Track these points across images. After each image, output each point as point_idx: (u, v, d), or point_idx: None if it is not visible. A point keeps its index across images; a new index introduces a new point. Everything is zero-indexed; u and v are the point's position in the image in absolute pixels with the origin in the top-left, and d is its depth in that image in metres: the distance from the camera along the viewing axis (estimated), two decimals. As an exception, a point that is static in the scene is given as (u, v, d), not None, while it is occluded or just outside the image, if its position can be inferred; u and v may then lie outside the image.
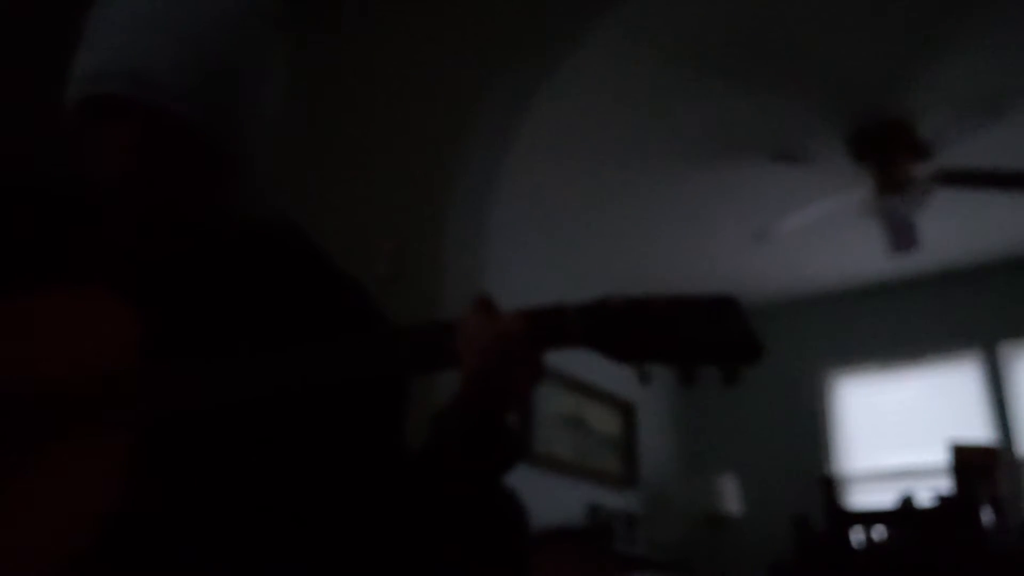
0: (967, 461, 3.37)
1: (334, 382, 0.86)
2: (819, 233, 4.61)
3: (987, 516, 2.90)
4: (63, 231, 0.96)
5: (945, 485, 3.55)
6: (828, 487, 3.15)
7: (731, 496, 5.33)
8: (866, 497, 5.14)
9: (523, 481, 0.95)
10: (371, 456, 0.97)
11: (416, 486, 0.93)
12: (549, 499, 4.37)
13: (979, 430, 5.04)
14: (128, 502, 0.80)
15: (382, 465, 0.97)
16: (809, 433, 5.59)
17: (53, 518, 0.80)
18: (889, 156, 3.95)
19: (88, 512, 0.79)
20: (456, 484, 0.91)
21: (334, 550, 0.93)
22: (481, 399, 0.86)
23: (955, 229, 4.87)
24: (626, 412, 5.45)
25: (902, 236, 4.27)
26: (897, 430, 5.36)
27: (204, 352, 0.87)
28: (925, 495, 3.19)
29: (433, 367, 0.87)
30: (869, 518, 2.95)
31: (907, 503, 3.15)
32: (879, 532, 2.93)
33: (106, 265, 0.93)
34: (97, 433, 0.83)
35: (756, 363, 0.81)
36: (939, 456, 4.06)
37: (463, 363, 0.84)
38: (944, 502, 2.99)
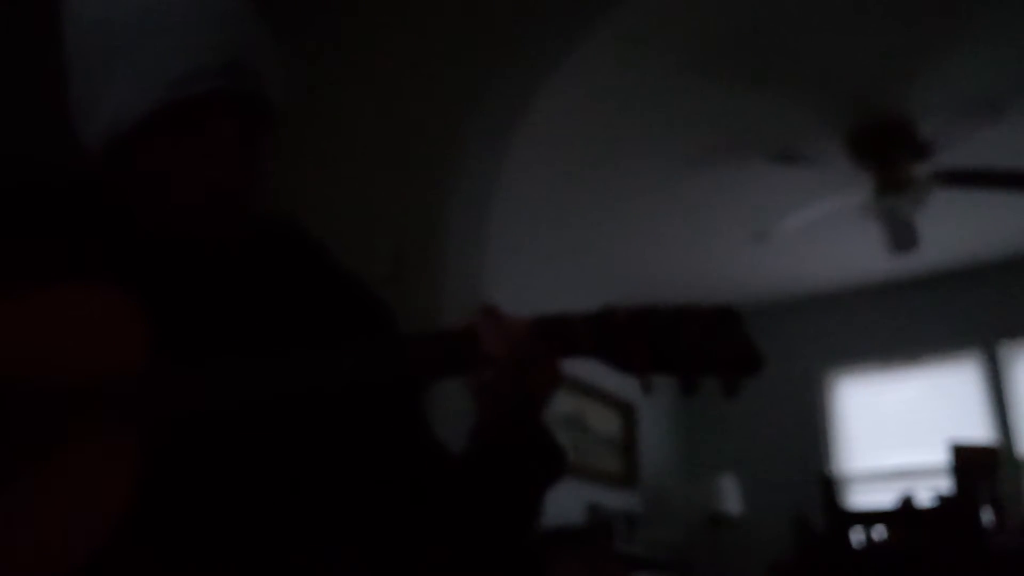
0: (967, 461, 3.37)
1: (341, 386, 0.85)
2: (819, 233, 4.61)
3: (987, 516, 2.90)
4: (68, 230, 0.95)
5: (945, 485, 3.55)
6: (828, 487, 3.15)
7: (731, 496, 5.33)
8: (866, 497, 5.14)
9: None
10: (389, 457, 0.97)
11: (461, 493, 0.93)
12: (549, 499, 4.36)
13: (979, 430, 5.04)
14: (139, 503, 0.79)
15: (401, 466, 0.96)
16: (809, 433, 5.59)
17: (56, 519, 0.80)
18: (889, 156, 3.94)
19: (92, 513, 0.79)
20: (503, 495, 0.91)
21: (351, 552, 0.93)
22: (496, 406, 0.86)
23: (955, 229, 4.86)
24: (626, 412, 5.45)
25: (902, 236, 4.27)
26: (897, 430, 5.36)
27: (215, 353, 0.86)
28: (925, 495, 3.19)
29: (444, 373, 0.87)
30: (869, 518, 2.95)
31: (907, 503, 3.15)
32: (879, 532, 2.93)
33: (117, 263, 0.93)
34: (99, 433, 0.82)
35: (756, 376, 0.82)
36: (939, 456, 4.05)
37: (477, 368, 0.84)
38: (944, 502, 2.99)
